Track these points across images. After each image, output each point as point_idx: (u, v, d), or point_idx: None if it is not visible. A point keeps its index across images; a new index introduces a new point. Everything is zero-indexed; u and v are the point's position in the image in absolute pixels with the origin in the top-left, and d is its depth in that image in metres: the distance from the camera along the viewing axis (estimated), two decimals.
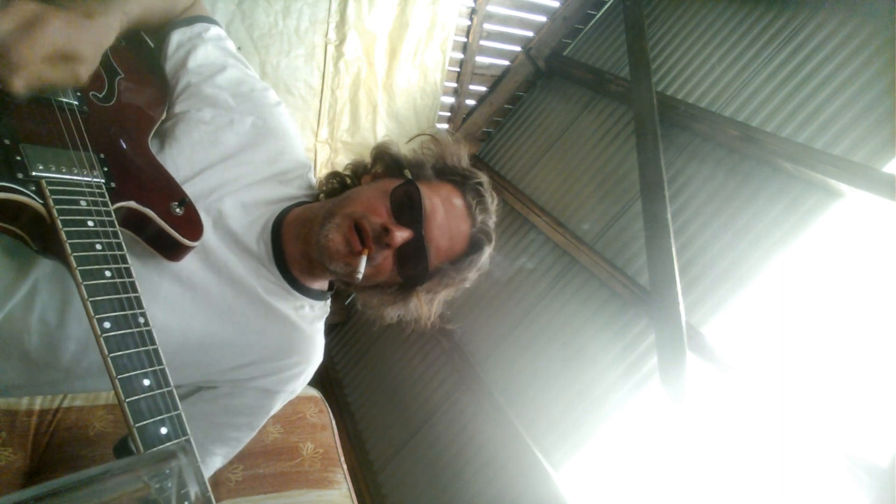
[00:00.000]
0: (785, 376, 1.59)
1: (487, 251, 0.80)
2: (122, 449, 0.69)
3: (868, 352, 1.50)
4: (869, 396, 1.46)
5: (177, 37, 0.81)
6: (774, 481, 1.55)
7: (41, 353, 0.62)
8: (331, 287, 0.85)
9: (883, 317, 1.50)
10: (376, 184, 0.78)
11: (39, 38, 0.50)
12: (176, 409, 0.43)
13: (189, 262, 0.67)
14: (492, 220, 0.81)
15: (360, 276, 0.69)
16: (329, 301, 0.86)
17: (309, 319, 0.80)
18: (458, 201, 0.77)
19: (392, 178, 0.78)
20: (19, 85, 0.50)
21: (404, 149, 0.84)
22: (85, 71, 0.56)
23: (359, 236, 0.70)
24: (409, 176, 0.77)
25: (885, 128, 1.59)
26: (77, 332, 0.63)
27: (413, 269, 0.75)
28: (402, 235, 0.70)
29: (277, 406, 0.80)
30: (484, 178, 0.80)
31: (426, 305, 0.83)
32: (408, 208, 0.72)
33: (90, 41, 0.56)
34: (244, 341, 0.73)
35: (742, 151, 1.88)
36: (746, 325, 1.73)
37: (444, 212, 0.74)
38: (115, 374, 0.43)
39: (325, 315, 0.85)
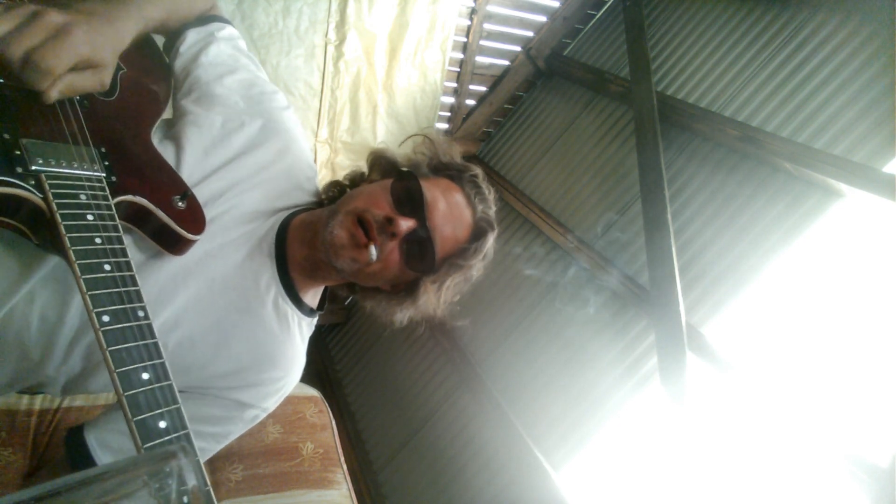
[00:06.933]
0: (785, 376, 1.59)
1: (491, 238, 0.82)
2: (75, 434, 0.68)
3: (868, 352, 1.50)
4: (869, 396, 1.46)
5: (192, 35, 0.82)
6: (775, 481, 1.54)
7: (39, 350, 0.62)
8: (321, 306, 0.86)
9: (883, 317, 1.50)
10: (376, 182, 0.81)
11: (67, 47, 0.51)
12: (175, 402, 0.43)
13: (185, 263, 0.66)
14: (492, 210, 0.83)
15: (373, 258, 0.71)
16: (315, 319, 0.85)
17: (295, 335, 0.80)
18: (457, 194, 0.80)
19: (390, 179, 0.79)
20: (53, 92, 0.52)
21: (398, 152, 0.86)
22: (107, 76, 0.58)
23: (363, 230, 0.71)
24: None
25: (885, 128, 1.59)
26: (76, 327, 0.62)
27: (420, 259, 0.76)
28: (406, 224, 0.72)
29: (246, 425, 0.78)
30: (478, 170, 0.83)
31: (434, 296, 0.83)
32: (409, 200, 0.74)
33: (110, 48, 0.58)
34: (227, 349, 0.72)
35: (742, 151, 1.88)
36: (746, 325, 1.73)
37: (445, 202, 0.77)
38: (113, 367, 0.43)
39: (310, 333, 0.85)
